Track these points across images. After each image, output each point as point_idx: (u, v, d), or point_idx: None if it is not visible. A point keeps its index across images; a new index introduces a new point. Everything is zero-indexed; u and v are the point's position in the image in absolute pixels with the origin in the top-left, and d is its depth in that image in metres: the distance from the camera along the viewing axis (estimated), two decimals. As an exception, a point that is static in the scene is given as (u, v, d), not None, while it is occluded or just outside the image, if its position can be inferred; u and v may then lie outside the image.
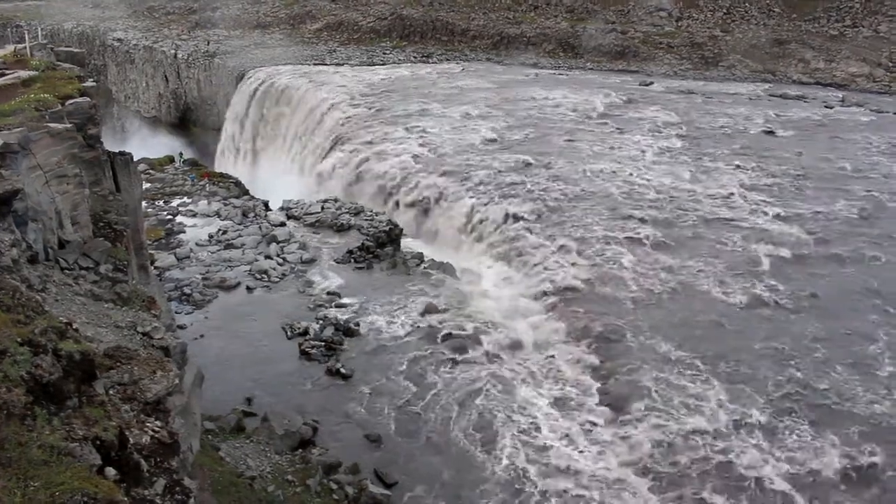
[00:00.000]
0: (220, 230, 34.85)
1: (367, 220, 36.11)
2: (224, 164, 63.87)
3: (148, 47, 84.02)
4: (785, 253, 32.52)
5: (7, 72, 18.59)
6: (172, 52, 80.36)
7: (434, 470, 19.94)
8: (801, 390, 22.94)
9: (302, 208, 37.96)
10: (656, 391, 22.87)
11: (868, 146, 50.56)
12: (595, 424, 21.93)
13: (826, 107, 62.75)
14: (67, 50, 26.13)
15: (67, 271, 13.50)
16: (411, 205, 40.39)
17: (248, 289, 29.38)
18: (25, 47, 22.73)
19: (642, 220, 35.51)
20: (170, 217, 36.56)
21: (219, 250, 32.71)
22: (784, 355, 24.87)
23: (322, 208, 37.72)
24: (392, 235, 34.69)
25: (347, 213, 37.08)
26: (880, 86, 71.45)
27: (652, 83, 70.38)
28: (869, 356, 24.98)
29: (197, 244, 33.26)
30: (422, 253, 33.75)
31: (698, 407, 22.06)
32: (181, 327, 25.01)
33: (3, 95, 15.98)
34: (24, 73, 18.22)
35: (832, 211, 37.81)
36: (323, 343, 25.25)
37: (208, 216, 36.98)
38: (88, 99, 16.91)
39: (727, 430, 21.17)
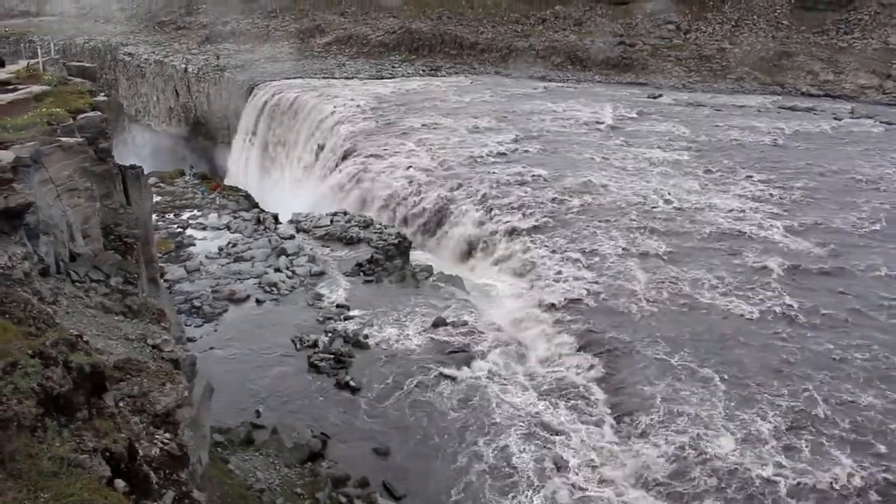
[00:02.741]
0: (229, 243, 35.00)
1: (375, 232, 36.16)
2: (234, 177, 64.22)
3: (158, 61, 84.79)
4: (796, 266, 32.28)
5: (20, 86, 18.76)
6: (183, 66, 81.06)
7: (442, 483, 19.84)
8: (813, 405, 22.68)
9: (311, 221, 38.05)
10: (666, 405, 22.68)
11: (879, 158, 50.31)
12: (603, 438, 21.77)
13: (835, 118, 62.47)
14: (79, 65, 26.39)
15: (78, 284, 13.55)
16: (420, 217, 40.43)
17: (258, 301, 29.44)
18: (38, 62, 22.94)
19: (652, 233, 35.41)
20: (180, 230, 36.77)
21: (228, 263, 32.82)
22: (796, 370, 24.63)
23: (331, 221, 37.81)
24: (401, 248, 34.72)
25: (356, 225, 37.14)
26: (890, 97, 71.15)
27: (660, 96, 70.45)
28: (883, 371, 24.71)
29: (207, 257, 33.40)
30: (431, 266, 33.74)
31: (708, 421, 21.85)
32: (191, 340, 25.05)
33: (15, 110, 16.11)
34: (36, 88, 18.37)
35: (844, 224, 37.55)
36: (332, 356, 25.23)
37: (218, 229, 37.18)
38: (100, 113, 17.04)
39: (737, 445, 20.93)
